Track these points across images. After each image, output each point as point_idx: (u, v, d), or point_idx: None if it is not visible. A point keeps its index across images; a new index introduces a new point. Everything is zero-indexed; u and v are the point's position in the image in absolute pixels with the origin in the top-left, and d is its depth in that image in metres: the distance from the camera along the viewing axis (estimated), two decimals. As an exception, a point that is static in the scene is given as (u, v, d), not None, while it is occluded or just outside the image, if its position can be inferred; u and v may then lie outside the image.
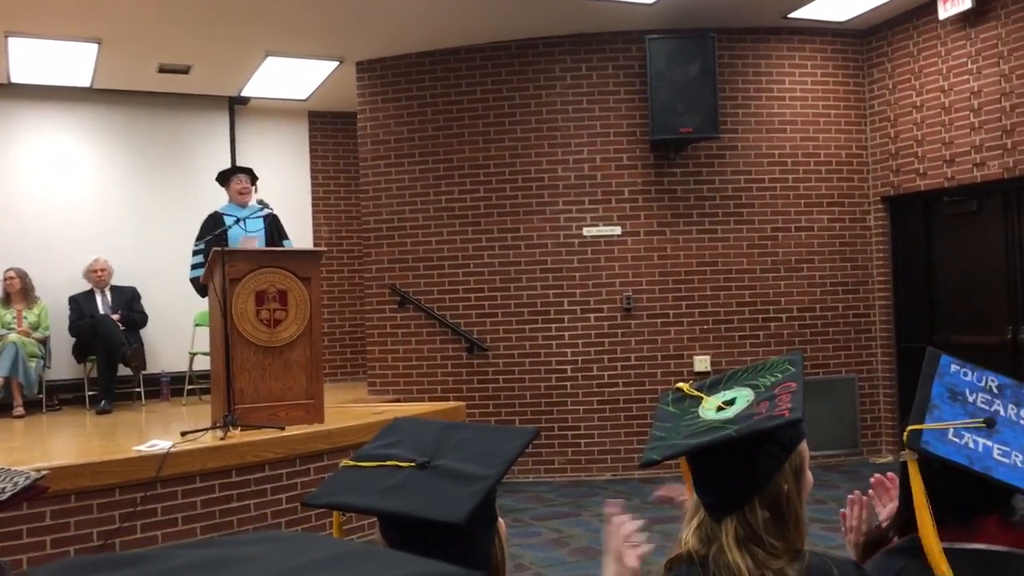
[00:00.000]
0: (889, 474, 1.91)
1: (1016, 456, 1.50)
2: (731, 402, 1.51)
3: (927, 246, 7.50)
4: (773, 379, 1.54)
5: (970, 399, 1.60)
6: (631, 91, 7.49)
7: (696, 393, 1.59)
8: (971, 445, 1.53)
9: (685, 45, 7.12)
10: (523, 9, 6.83)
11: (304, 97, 8.77)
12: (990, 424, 1.55)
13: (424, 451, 1.47)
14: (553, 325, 7.50)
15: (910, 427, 1.57)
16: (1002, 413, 1.58)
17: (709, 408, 1.52)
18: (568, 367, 7.48)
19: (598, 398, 7.43)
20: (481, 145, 7.61)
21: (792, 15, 7.24)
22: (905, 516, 1.61)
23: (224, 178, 6.76)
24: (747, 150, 7.61)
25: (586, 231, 7.50)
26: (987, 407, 1.59)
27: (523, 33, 7.44)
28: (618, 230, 7.51)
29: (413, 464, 1.45)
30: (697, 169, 7.56)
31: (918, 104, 7.32)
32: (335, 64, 7.85)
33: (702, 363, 7.46)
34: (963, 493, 1.53)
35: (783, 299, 7.60)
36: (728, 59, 7.53)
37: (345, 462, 1.53)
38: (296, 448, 5.16)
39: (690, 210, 7.57)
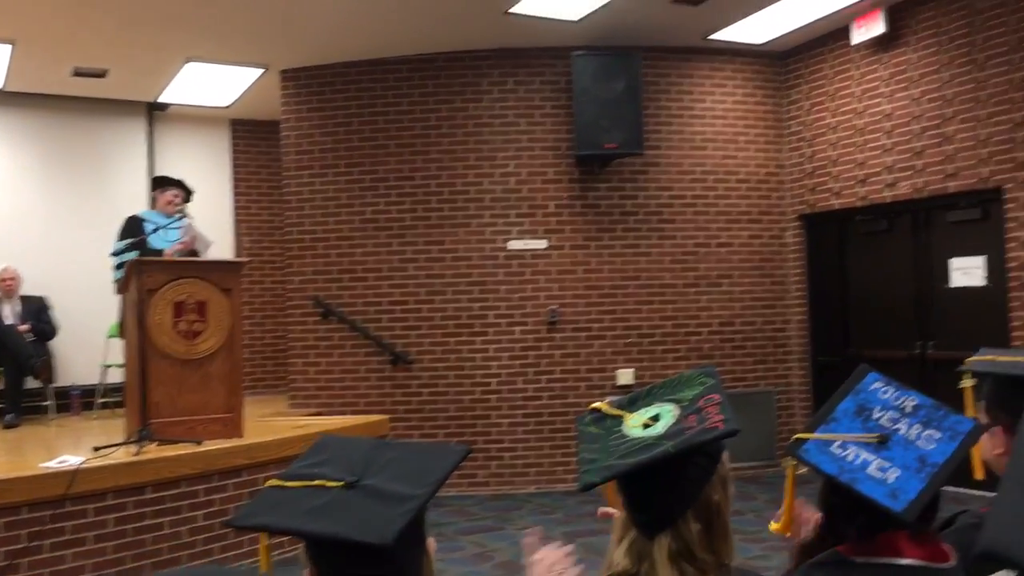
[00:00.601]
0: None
1: (892, 472, 1.53)
2: (656, 418, 1.51)
3: (841, 263, 7.74)
4: (694, 392, 1.55)
5: (875, 416, 1.64)
6: (557, 106, 7.55)
7: (616, 412, 1.58)
8: (850, 458, 1.55)
9: (610, 62, 7.22)
10: (450, 22, 6.84)
11: (227, 104, 8.61)
12: (882, 441, 1.58)
13: (353, 470, 1.45)
14: (478, 338, 7.49)
15: (797, 435, 1.61)
16: (901, 432, 1.61)
17: (634, 426, 1.52)
18: (493, 380, 7.48)
19: (523, 411, 7.44)
20: (407, 157, 7.58)
21: (713, 36, 7.41)
22: (823, 529, 1.65)
23: (158, 185, 6.56)
24: (670, 166, 7.75)
25: (512, 244, 7.53)
26: (889, 425, 1.62)
27: (450, 46, 7.45)
28: (543, 244, 7.56)
29: (341, 484, 1.42)
30: (621, 184, 7.67)
31: (833, 125, 7.57)
32: (259, 71, 7.73)
33: (625, 376, 7.55)
34: (858, 508, 1.56)
35: (704, 313, 7.74)
36: (652, 77, 7.66)
37: (271, 481, 1.50)
38: (214, 463, 5.03)
39: (614, 225, 7.66)
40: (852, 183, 7.40)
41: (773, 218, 8.01)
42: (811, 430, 1.64)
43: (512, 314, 7.52)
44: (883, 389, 1.68)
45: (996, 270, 6.38)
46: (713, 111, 7.87)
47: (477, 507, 6.88)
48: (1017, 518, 0.59)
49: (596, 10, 6.63)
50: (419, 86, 7.60)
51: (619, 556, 1.49)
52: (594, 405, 1.61)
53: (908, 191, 6.92)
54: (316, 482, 1.43)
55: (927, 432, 1.61)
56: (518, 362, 7.49)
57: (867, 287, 7.50)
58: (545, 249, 7.56)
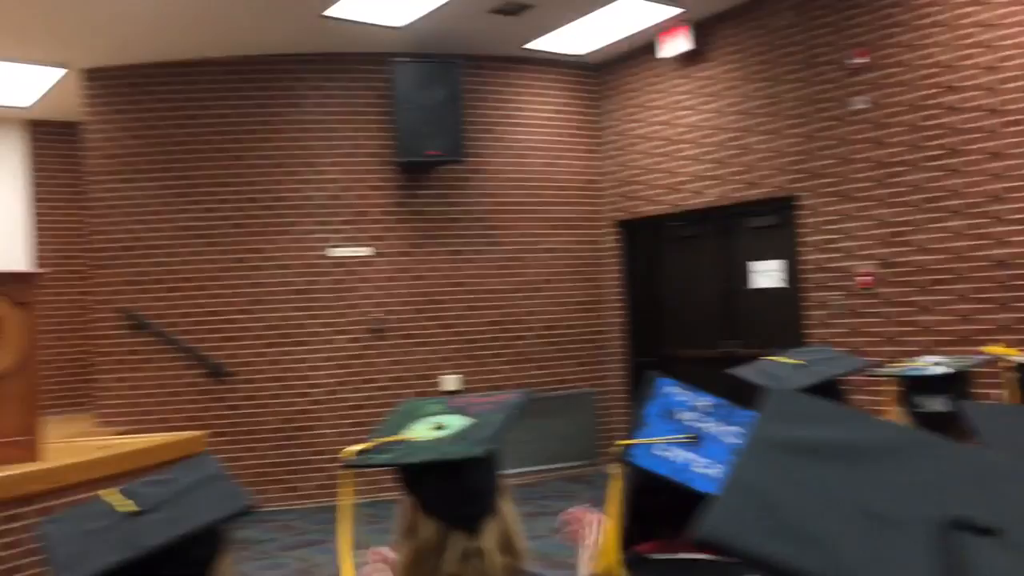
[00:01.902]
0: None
1: (714, 468, 1.64)
2: (441, 427, 1.56)
3: (655, 267, 8.10)
4: (444, 406, 1.64)
5: (681, 417, 1.74)
6: (380, 112, 7.51)
7: (394, 439, 1.60)
8: (674, 459, 1.65)
9: (432, 70, 7.25)
10: (267, 24, 6.67)
11: (27, 104, 8.01)
12: (695, 439, 1.68)
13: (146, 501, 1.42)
14: (301, 348, 7.33)
15: (619, 442, 1.68)
16: (707, 430, 1.72)
17: (422, 435, 1.56)
18: (317, 390, 7.33)
19: (348, 421, 7.34)
20: (224, 162, 7.32)
21: (530, 46, 7.59)
22: (626, 528, 1.72)
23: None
24: (493, 174, 7.87)
25: (335, 252, 7.41)
26: (695, 424, 1.73)
27: (269, 48, 7.26)
28: (367, 251, 7.49)
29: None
30: (445, 191, 7.71)
31: (645, 135, 7.91)
32: (60, 71, 7.24)
33: (451, 383, 7.59)
34: (668, 506, 1.64)
35: (529, 317, 7.91)
36: (474, 85, 7.75)
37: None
38: (10, 491, 4.66)
39: (440, 231, 7.69)
40: (664, 191, 7.76)
41: (592, 224, 8.29)
42: (631, 435, 1.71)
43: (336, 322, 7.40)
44: (677, 392, 1.78)
45: (792, 273, 6.86)
46: (534, 120, 8.06)
47: (302, 521, 6.72)
48: (739, 502, 0.64)
49: (419, 18, 6.65)
50: (236, 89, 7.36)
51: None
52: (356, 446, 1.62)
53: (714, 198, 7.34)
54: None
55: (728, 428, 1.72)
56: (343, 371, 7.39)
57: (679, 289, 7.89)
58: (370, 256, 7.50)
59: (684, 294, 7.82)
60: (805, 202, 6.65)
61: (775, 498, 0.64)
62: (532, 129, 8.05)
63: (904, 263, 6.06)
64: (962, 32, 5.71)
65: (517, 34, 7.32)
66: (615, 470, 1.65)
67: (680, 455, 1.66)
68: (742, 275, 7.29)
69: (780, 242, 6.97)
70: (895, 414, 2.56)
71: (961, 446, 0.73)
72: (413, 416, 1.63)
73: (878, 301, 6.21)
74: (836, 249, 6.46)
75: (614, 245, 8.29)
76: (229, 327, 7.24)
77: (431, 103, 7.19)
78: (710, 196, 7.37)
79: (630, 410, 8.08)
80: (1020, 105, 5.45)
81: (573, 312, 8.11)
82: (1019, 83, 5.45)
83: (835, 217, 6.46)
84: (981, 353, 2.89)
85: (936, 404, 2.49)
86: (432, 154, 7.25)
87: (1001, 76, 5.53)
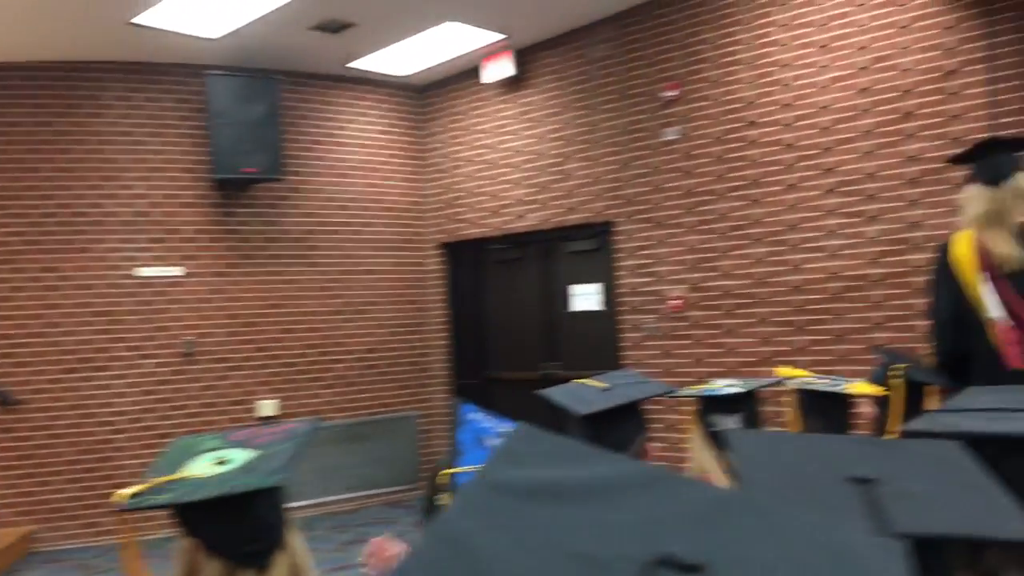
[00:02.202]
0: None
1: None
2: (224, 461, 1.47)
3: (478, 289, 8.15)
4: (221, 441, 1.55)
5: (489, 444, 1.73)
6: (193, 127, 7.18)
7: (172, 477, 1.49)
8: None
9: (250, 84, 7.01)
10: (68, 28, 6.24)
11: None
12: None
13: None
14: (103, 373, 6.86)
15: (443, 472, 1.66)
16: None
17: (204, 471, 1.45)
18: (120, 419, 6.88)
19: (154, 450, 6.90)
20: (15, 174, 6.76)
21: (353, 64, 7.49)
22: None
23: None
24: (314, 193, 7.69)
25: (142, 272, 7.00)
26: None
27: (70, 54, 6.79)
28: (179, 271, 7.12)
29: None
30: (263, 210, 7.46)
31: (469, 158, 7.97)
32: None
33: (268, 408, 7.32)
34: None
35: (349, 340, 7.75)
36: (294, 102, 7.57)
37: None
38: None
39: (257, 251, 7.43)
40: (487, 214, 7.83)
41: (416, 246, 8.24)
42: (451, 464, 1.70)
43: (143, 346, 6.98)
44: (480, 418, 1.78)
45: (610, 296, 7.07)
46: (356, 139, 7.94)
47: (99, 559, 6.26)
48: (437, 550, 0.61)
49: (235, 30, 6.42)
50: (30, 96, 6.84)
51: None
52: (128, 492, 1.48)
53: (535, 222, 7.46)
54: None
55: None
56: (150, 397, 6.97)
57: (501, 312, 7.96)
58: (180, 276, 7.13)
59: (507, 317, 7.90)
60: (621, 228, 6.87)
61: (475, 544, 0.61)
62: (355, 149, 7.93)
63: (711, 287, 6.36)
64: (762, 71, 6.08)
65: (340, 52, 7.20)
66: (446, 500, 1.63)
67: None
68: (563, 298, 7.45)
69: (598, 266, 7.17)
70: (694, 433, 2.66)
71: (691, 481, 0.73)
72: (189, 453, 1.53)
73: (687, 324, 6.48)
74: (650, 273, 6.71)
75: (438, 267, 8.28)
76: (20, 351, 6.69)
77: (248, 119, 6.94)
78: (532, 220, 7.49)
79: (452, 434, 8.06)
80: (811, 141, 5.85)
81: (395, 334, 8.02)
82: (810, 120, 5.85)
83: (648, 243, 6.70)
84: (772, 375, 3.05)
85: (728, 423, 2.62)
86: (249, 171, 6.99)
87: (796, 113, 5.92)
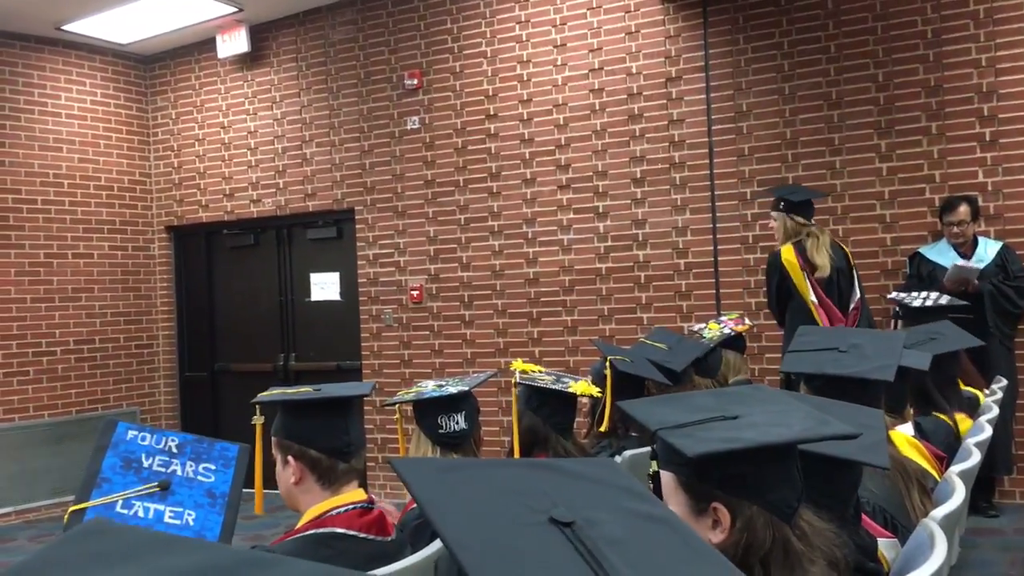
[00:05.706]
0: None
1: (188, 515, 1.48)
2: None
3: (209, 277, 7.66)
4: None
5: (146, 464, 1.54)
6: None
7: None
8: (141, 514, 1.46)
9: (-65, 39, 6.12)
10: None
11: None
12: (164, 487, 1.51)
13: None
14: None
15: (72, 508, 1.44)
16: (179, 473, 1.55)
17: None
18: None
19: None
20: None
21: (66, 27, 6.74)
22: None
23: None
24: (16, 167, 6.86)
25: None
26: (164, 469, 1.54)
27: None
28: None
29: None
30: (-46, 184, 6.56)
31: (200, 137, 7.46)
32: None
33: (-43, 408, 6.46)
34: None
35: (58, 331, 7.00)
36: (-6, 64, 6.71)
37: None
38: None
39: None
40: (220, 197, 7.38)
41: (139, 229, 7.60)
42: (84, 498, 1.50)
43: None
44: (140, 436, 1.59)
45: (349, 285, 6.89)
46: (70, 110, 7.18)
47: None
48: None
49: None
50: None
51: None
52: None
53: (272, 208, 7.13)
54: None
55: (202, 466, 1.60)
56: None
57: (235, 301, 7.54)
58: None
59: (241, 306, 7.49)
60: (361, 216, 6.72)
61: None
62: (67, 120, 7.15)
63: (450, 278, 6.37)
64: (502, 65, 6.15)
65: (51, 13, 6.45)
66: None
67: (148, 508, 1.46)
68: (303, 287, 7.17)
69: (339, 255, 6.97)
70: (416, 435, 2.58)
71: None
72: None
73: (427, 314, 6.45)
74: (390, 263, 6.61)
75: (164, 252, 7.69)
76: None
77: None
78: (268, 205, 7.15)
79: (179, 428, 7.55)
80: (547, 137, 6.00)
81: (114, 324, 7.35)
82: (546, 117, 6.00)
83: (389, 232, 6.60)
84: (502, 368, 3.05)
85: (460, 422, 2.55)
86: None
87: (533, 109, 6.05)
